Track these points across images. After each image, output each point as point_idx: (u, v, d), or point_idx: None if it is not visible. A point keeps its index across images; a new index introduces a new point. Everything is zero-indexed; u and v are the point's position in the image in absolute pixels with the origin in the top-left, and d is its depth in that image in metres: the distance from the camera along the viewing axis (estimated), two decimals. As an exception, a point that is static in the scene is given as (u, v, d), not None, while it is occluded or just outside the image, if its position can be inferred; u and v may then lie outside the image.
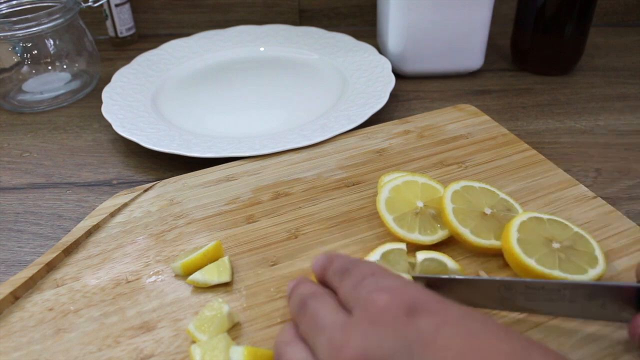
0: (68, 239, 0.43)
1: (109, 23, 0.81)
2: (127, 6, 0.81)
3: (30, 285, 0.40)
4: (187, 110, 0.64)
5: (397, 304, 0.27)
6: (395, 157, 0.52)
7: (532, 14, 0.67)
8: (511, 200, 0.43)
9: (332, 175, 0.50)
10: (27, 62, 0.68)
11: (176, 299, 0.39)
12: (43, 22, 0.64)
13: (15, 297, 0.39)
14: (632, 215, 0.46)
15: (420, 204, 0.42)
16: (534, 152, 0.52)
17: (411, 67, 0.69)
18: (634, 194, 0.49)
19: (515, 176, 0.49)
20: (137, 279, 0.40)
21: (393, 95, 0.63)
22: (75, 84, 0.70)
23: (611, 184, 0.50)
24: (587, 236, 0.39)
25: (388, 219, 0.41)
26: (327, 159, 0.52)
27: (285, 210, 0.46)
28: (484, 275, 0.39)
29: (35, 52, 0.67)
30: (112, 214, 0.47)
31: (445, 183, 0.44)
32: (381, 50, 0.73)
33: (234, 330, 0.36)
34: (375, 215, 0.45)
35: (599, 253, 0.38)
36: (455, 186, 0.42)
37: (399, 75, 0.69)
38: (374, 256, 0.38)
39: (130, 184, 0.54)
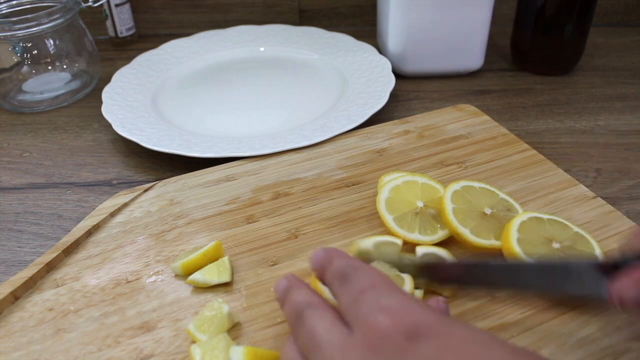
0: (68, 239, 0.43)
1: (109, 23, 0.81)
2: (127, 6, 0.81)
3: (30, 285, 0.40)
4: (187, 110, 0.64)
5: (398, 328, 0.26)
6: (395, 157, 0.52)
7: (532, 14, 0.67)
8: (511, 200, 0.43)
9: (332, 175, 0.50)
10: (27, 62, 0.68)
11: (176, 299, 0.39)
12: (43, 22, 0.64)
13: (15, 297, 0.39)
14: (632, 215, 0.46)
15: (420, 204, 0.42)
16: (534, 152, 0.52)
17: (411, 67, 0.69)
18: (634, 194, 0.49)
19: (515, 176, 0.49)
20: (137, 279, 0.40)
21: (393, 95, 0.63)
22: (75, 84, 0.70)
23: (611, 184, 0.50)
24: (587, 236, 0.39)
25: (388, 219, 0.41)
26: (327, 159, 0.52)
27: (285, 210, 0.46)
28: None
29: (35, 52, 0.67)
30: (112, 214, 0.47)
31: (445, 183, 0.44)
32: (381, 50, 0.73)
33: (234, 330, 0.36)
34: (375, 215, 0.45)
35: (599, 253, 0.38)
36: (455, 186, 0.42)
37: (399, 75, 0.69)
38: (367, 242, 0.39)
39: (130, 184, 0.54)
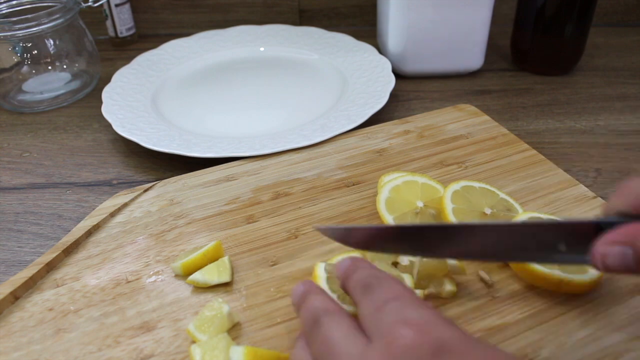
0: (68, 239, 0.43)
1: (109, 23, 0.81)
2: (127, 6, 0.81)
3: (30, 285, 0.40)
4: (187, 110, 0.64)
5: (422, 343, 0.25)
6: (395, 157, 0.52)
7: (532, 14, 0.67)
8: (511, 200, 0.43)
9: (332, 175, 0.50)
10: (27, 62, 0.68)
11: (176, 299, 0.39)
12: (43, 22, 0.64)
13: (15, 297, 0.39)
14: (632, 215, 0.46)
15: (420, 204, 0.42)
16: (534, 152, 0.52)
17: (411, 67, 0.69)
18: (634, 194, 0.49)
19: (515, 176, 0.49)
20: (137, 279, 0.40)
21: (393, 95, 0.63)
22: (75, 84, 0.70)
23: (611, 184, 0.50)
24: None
25: (388, 219, 0.41)
26: (327, 159, 0.52)
27: (285, 210, 0.46)
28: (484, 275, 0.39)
29: (35, 52, 0.67)
30: (112, 214, 0.47)
31: (445, 183, 0.44)
32: (381, 50, 0.73)
33: (234, 330, 0.36)
34: (375, 215, 0.45)
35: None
36: (455, 186, 0.42)
37: (399, 75, 0.69)
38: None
39: (130, 184, 0.54)
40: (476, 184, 0.43)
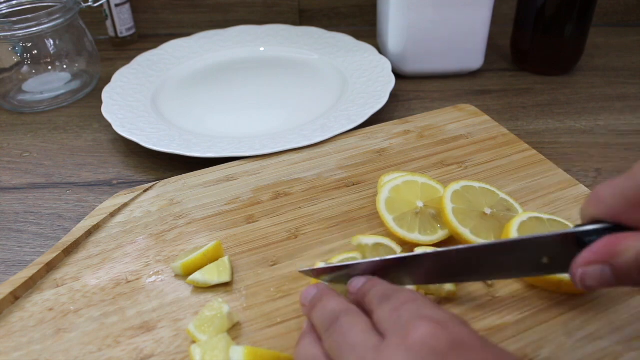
0: (68, 239, 0.43)
1: (109, 23, 0.81)
2: (127, 6, 0.81)
3: (30, 285, 0.40)
4: (187, 110, 0.64)
5: (439, 336, 0.26)
6: (395, 157, 0.52)
7: (532, 14, 0.67)
8: (511, 200, 0.43)
9: (332, 175, 0.50)
10: (27, 62, 0.68)
11: (176, 299, 0.39)
12: (43, 22, 0.64)
13: (15, 297, 0.39)
14: (632, 215, 0.46)
15: (420, 204, 0.42)
16: (534, 152, 0.52)
17: (411, 67, 0.69)
18: (634, 194, 0.49)
19: (515, 176, 0.49)
20: (137, 279, 0.40)
21: (393, 95, 0.63)
22: (75, 84, 0.70)
23: (611, 184, 0.50)
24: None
25: (388, 219, 0.41)
26: (327, 159, 0.52)
27: (285, 210, 0.46)
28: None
29: (35, 52, 0.67)
30: (112, 214, 0.47)
31: (445, 183, 0.44)
32: (381, 50, 0.73)
33: (234, 330, 0.36)
34: (375, 215, 0.45)
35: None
36: (455, 186, 0.42)
37: (399, 75, 0.69)
38: (367, 239, 0.39)
39: (130, 184, 0.54)
40: (476, 184, 0.43)
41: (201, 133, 0.58)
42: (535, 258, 0.31)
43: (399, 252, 0.39)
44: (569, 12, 0.65)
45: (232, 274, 0.40)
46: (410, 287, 0.36)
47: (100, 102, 0.62)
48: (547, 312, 0.36)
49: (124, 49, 0.82)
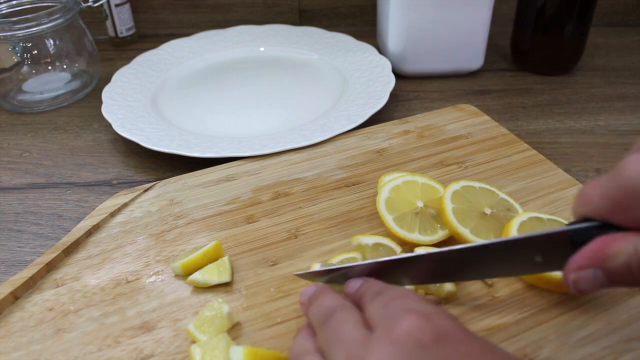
0: (68, 239, 0.43)
1: (109, 23, 0.81)
2: (127, 6, 0.81)
3: (30, 285, 0.40)
4: (187, 110, 0.64)
5: (424, 329, 0.26)
6: (395, 157, 0.52)
7: (532, 14, 0.67)
8: (511, 200, 0.43)
9: (332, 175, 0.50)
10: (27, 62, 0.68)
11: (176, 299, 0.39)
12: (43, 22, 0.64)
13: (15, 297, 0.39)
14: (632, 215, 0.46)
15: (420, 204, 0.42)
16: (534, 152, 0.52)
17: (411, 67, 0.69)
18: (634, 194, 0.49)
19: (515, 176, 0.49)
20: (137, 279, 0.40)
21: (393, 95, 0.63)
22: (75, 84, 0.70)
23: (611, 184, 0.50)
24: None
25: (388, 219, 0.41)
26: (327, 159, 0.52)
27: (285, 210, 0.46)
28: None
29: (35, 52, 0.67)
30: (112, 214, 0.47)
31: (445, 183, 0.44)
32: (381, 50, 0.73)
33: (234, 330, 0.36)
34: (375, 215, 0.45)
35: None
36: (455, 186, 0.42)
37: (399, 75, 0.69)
38: (367, 239, 0.39)
39: (130, 184, 0.54)
40: (476, 184, 0.43)
41: (201, 133, 0.58)
42: (529, 257, 0.31)
43: (399, 252, 0.39)
44: (569, 12, 0.65)
45: (232, 274, 0.40)
46: (410, 287, 0.36)
47: (100, 102, 0.62)
48: (547, 312, 0.36)
49: (124, 49, 0.82)
